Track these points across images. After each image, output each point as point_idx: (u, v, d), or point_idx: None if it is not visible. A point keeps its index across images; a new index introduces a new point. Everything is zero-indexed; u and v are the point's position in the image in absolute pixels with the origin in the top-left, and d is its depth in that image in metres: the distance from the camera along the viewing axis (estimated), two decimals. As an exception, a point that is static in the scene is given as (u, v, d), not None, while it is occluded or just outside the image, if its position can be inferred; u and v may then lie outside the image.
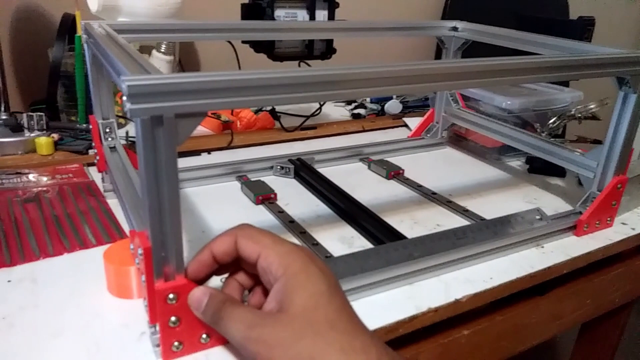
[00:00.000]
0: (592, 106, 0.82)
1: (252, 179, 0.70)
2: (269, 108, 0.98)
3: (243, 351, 0.34)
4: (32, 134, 0.75)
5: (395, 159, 0.80)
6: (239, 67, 0.98)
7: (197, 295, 0.37)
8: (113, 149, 0.62)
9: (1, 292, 0.45)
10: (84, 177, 0.68)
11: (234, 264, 0.39)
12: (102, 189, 0.64)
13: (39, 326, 0.41)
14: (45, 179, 0.66)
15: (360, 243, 0.56)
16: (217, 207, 0.63)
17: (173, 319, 0.37)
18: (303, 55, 0.81)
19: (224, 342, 0.40)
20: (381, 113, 1.07)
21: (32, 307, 0.43)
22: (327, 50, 0.82)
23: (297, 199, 0.66)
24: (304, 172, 0.72)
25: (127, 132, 0.78)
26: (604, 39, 1.61)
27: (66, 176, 0.68)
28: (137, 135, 0.33)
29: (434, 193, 0.69)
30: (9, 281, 0.47)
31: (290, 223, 0.59)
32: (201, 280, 0.39)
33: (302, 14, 0.78)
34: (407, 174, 0.75)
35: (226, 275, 0.41)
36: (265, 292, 0.39)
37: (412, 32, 0.81)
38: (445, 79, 0.45)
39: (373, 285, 0.47)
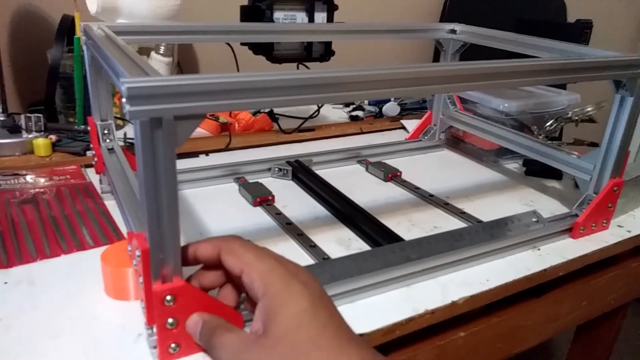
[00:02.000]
0: (589, 109, 0.82)
1: (250, 181, 0.70)
2: (267, 110, 0.98)
3: None
4: (30, 135, 0.75)
5: (393, 161, 0.80)
6: (238, 69, 0.98)
7: (193, 321, 0.37)
8: (111, 150, 0.62)
9: (-2, 294, 0.45)
10: (81, 178, 0.68)
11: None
12: (99, 191, 0.64)
13: (36, 328, 0.41)
14: (42, 180, 0.66)
15: (357, 245, 0.56)
16: (215, 208, 0.63)
17: (170, 320, 0.37)
18: (302, 57, 0.81)
19: (222, 343, 0.40)
20: (379, 115, 1.07)
21: (29, 309, 0.43)
22: (326, 52, 0.83)
23: (295, 201, 0.66)
24: (301, 174, 0.72)
25: (125, 134, 0.79)
26: (602, 42, 1.61)
27: (64, 177, 0.67)
28: (136, 137, 0.33)
29: (432, 195, 0.69)
30: (5, 283, 0.47)
31: (287, 225, 0.59)
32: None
33: (301, 16, 0.78)
34: (404, 176, 0.75)
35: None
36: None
37: (410, 34, 0.82)
38: (443, 82, 0.45)
39: (370, 287, 0.47)
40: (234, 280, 0.40)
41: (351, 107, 1.10)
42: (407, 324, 0.45)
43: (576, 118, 0.82)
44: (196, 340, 0.37)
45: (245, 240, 0.38)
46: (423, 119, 0.90)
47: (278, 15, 0.76)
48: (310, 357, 0.32)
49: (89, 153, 0.74)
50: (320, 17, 0.79)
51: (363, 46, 1.38)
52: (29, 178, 0.67)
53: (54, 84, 0.83)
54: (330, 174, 0.74)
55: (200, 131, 0.89)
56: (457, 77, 0.46)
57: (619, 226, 0.65)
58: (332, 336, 0.33)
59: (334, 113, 1.08)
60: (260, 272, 0.35)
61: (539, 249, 0.58)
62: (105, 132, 0.62)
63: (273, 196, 0.65)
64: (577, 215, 0.61)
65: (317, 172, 0.74)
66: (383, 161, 0.80)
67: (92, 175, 0.68)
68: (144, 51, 0.95)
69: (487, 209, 0.66)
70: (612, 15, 1.89)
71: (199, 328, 0.37)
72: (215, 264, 0.38)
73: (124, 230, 0.56)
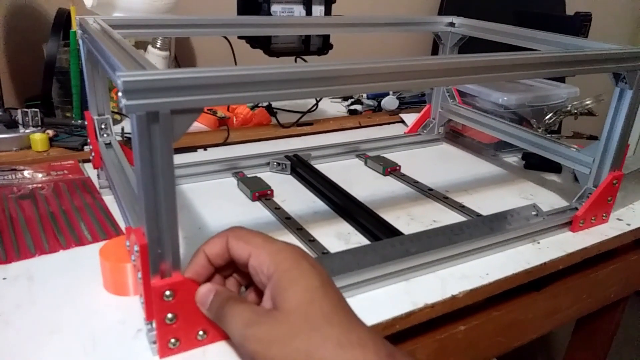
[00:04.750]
0: (588, 102, 0.82)
1: (249, 176, 0.70)
2: (265, 104, 0.98)
3: (242, 349, 0.34)
4: (27, 131, 0.75)
5: (392, 155, 0.80)
6: (235, 63, 0.98)
7: (203, 292, 0.37)
8: (108, 145, 0.62)
9: (-4, 290, 0.45)
10: (79, 173, 0.68)
11: (230, 267, 0.39)
12: (97, 186, 0.64)
13: (35, 324, 0.41)
14: (40, 175, 0.66)
15: (356, 239, 0.56)
16: (213, 203, 0.63)
17: (169, 315, 0.37)
18: (299, 50, 0.81)
19: (221, 338, 0.40)
20: (378, 109, 1.07)
21: (28, 305, 0.43)
22: (324, 45, 0.82)
23: (294, 196, 0.66)
24: (300, 168, 0.72)
25: (122, 129, 0.78)
26: (601, 35, 1.61)
27: (61, 173, 0.67)
28: (132, 131, 0.33)
29: (431, 189, 0.69)
30: (4, 278, 0.46)
31: (286, 219, 0.59)
32: (201, 284, 0.39)
33: (298, 10, 0.77)
34: (403, 170, 0.75)
35: None
36: (260, 291, 0.39)
37: (408, 27, 0.81)
38: (442, 75, 0.45)
39: (369, 281, 0.47)
40: (235, 272, 0.40)
41: (350, 101, 1.10)
42: (407, 318, 0.45)
43: (575, 111, 0.82)
44: (204, 310, 0.37)
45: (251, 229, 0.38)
46: (422, 112, 0.90)
47: (275, 8, 0.75)
48: (322, 331, 0.32)
49: (86, 148, 0.74)
50: (318, 10, 0.78)
51: (361, 40, 1.37)
52: (26, 173, 0.66)
53: (51, 78, 0.83)
54: (329, 168, 0.74)
55: (198, 125, 0.89)
56: (455, 70, 0.45)
57: (619, 219, 0.65)
58: (343, 314, 0.33)
59: (332, 107, 1.08)
60: (269, 252, 0.36)
61: (538, 243, 0.58)
62: (103, 126, 0.62)
63: (272, 191, 0.65)
64: (576, 209, 0.61)
65: (316, 166, 0.74)
66: (382, 155, 0.79)
67: (90, 170, 0.68)
68: (141, 45, 0.95)
69: (487, 203, 0.65)
70: (611, 7, 1.88)
71: (210, 297, 0.37)
72: (226, 260, 0.38)
73: (122, 225, 0.56)
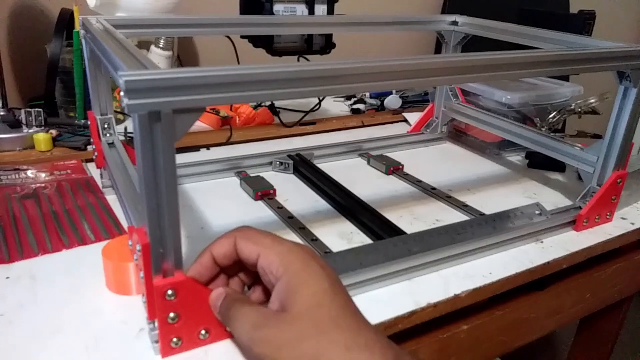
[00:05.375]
0: (592, 100, 0.81)
1: (251, 175, 0.70)
2: (268, 103, 0.98)
3: (249, 352, 0.34)
4: (31, 130, 0.75)
5: (395, 154, 0.80)
6: (238, 62, 0.98)
7: (216, 294, 0.38)
8: (111, 144, 0.62)
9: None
10: (82, 173, 0.68)
11: (235, 267, 0.39)
12: (100, 185, 0.64)
13: (38, 323, 0.41)
14: (43, 175, 0.66)
15: (359, 238, 0.56)
16: (216, 203, 0.63)
17: (172, 315, 0.37)
18: (302, 50, 0.81)
19: (223, 337, 0.40)
20: (381, 108, 1.07)
21: (30, 304, 0.43)
22: (327, 45, 0.82)
23: (296, 195, 0.66)
24: (303, 167, 0.72)
25: (125, 128, 0.78)
26: (605, 33, 1.60)
27: (64, 172, 0.67)
28: (134, 130, 0.33)
29: (434, 188, 0.69)
30: (7, 278, 0.47)
31: (289, 219, 0.59)
32: (204, 284, 0.39)
33: (301, 9, 0.77)
34: (406, 169, 0.75)
35: None
36: (266, 290, 0.39)
37: (411, 26, 0.81)
38: (445, 74, 0.45)
39: (372, 280, 0.47)
40: (236, 274, 0.40)
41: (352, 100, 1.09)
42: (409, 317, 0.45)
43: (579, 110, 0.82)
44: (215, 313, 0.37)
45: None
46: (425, 111, 0.90)
47: (278, 7, 0.75)
48: (330, 335, 0.32)
49: (89, 147, 0.74)
50: (321, 9, 0.78)
51: (364, 39, 1.37)
52: (29, 173, 0.66)
53: (54, 78, 0.83)
54: (331, 168, 0.73)
55: (201, 125, 0.89)
56: (459, 69, 0.45)
57: (623, 218, 0.64)
58: (351, 317, 0.34)
59: (335, 106, 1.08)
60: (279, 252, 0.36)
61: (542, 242, 0.58)
62: (106, 126, 0.62)
63: (274, 190, 0.65)
64: (580, 208, 0.61)
65: (319, 165, 0.74)
66: (385, 154, 0.79)
67: (92, 169, 0.68)
68: (144, 45, 0.95)
69: (490, 202, 0.65)
70: (615, 5, 1.87)
71: (220, 300, 0.37)
72: (233, 260, 0.38)
73: (125, 224, 0.56)
